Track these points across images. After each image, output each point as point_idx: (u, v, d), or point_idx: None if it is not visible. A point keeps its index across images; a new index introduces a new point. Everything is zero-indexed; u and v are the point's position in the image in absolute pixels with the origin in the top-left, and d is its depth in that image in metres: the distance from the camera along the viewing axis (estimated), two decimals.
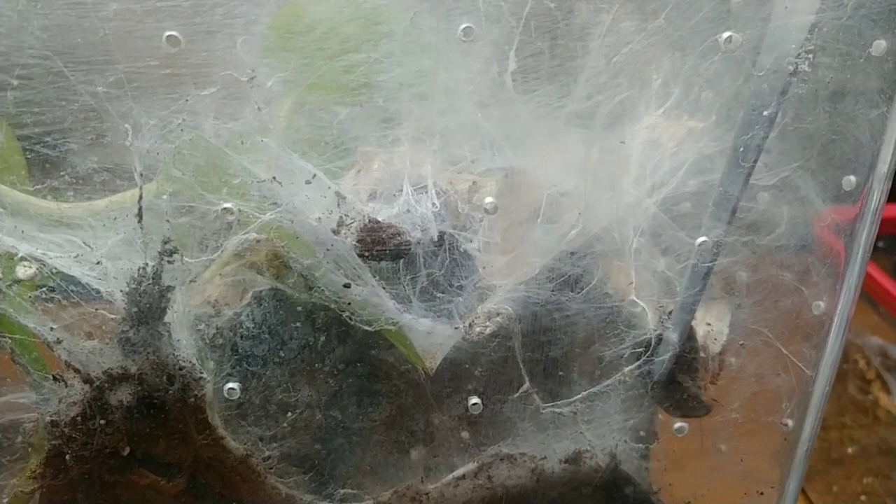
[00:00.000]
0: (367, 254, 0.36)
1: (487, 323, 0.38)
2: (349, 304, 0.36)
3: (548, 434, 0.42)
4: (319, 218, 0.35)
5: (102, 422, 0.35)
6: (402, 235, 0.36)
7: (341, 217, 0.35)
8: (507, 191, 0.38)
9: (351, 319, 0.37)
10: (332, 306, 0.36)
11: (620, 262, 0.39)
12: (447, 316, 0.38)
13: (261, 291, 0.37)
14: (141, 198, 0.34)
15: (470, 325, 0.38)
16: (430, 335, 0.38)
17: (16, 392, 0.36)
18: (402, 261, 0.37)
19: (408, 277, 0.37)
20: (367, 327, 0.37)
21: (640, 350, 0.40)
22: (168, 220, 0.34)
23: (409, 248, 0.36)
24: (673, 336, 0.40)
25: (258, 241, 0.35)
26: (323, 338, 0.38)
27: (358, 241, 0.35)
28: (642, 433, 0.43)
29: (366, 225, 0.35)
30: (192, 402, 0.36)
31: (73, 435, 0.36)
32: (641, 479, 0.44)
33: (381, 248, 0.36)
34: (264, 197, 0.35)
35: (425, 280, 0.37)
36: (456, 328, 0.38)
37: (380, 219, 0.36)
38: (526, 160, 0.38)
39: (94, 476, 0.37)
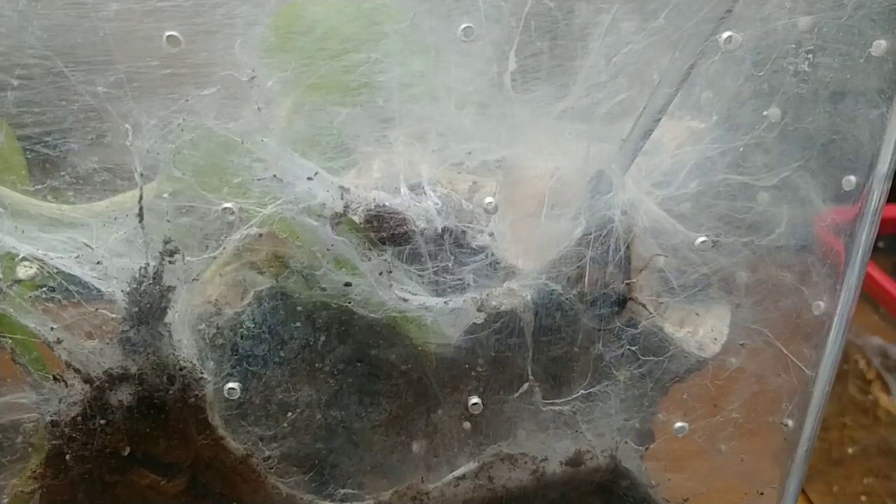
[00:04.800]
0: (373, 236, 0.36)
1: (504, 300, 0.38)
2: (350, 302, 0.36)
3: (548, 434, 0.42)
4: (324, 205, 0.35)
5: (103, 422, 0.36)
6: (407, 223, 0.36)
7: (347, 203, 0.35)
8: (508, 190, 0.38)
9: (356, 309, 0.36)
10: (334, 303, 0.37)
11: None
12: (462, 301, 0.38)
13: (261, 291, 0.37)
14: (141, 198, 0.34)
15: (487, 296, 0.38)
16: (446, 313, 0.37)
17: (16, 392, 0.36)
18: (407, 246, 0.37)
19: (416, 264, 0.37)
20: (373, 314, 0.37)
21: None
22: (168, 220, 0.35)
23: (414, 237, 0.36)
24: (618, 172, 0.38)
25: (260, 234, 0.35)
26: (323, 337, 0.38)
27: (365, 222, 0.35)
28: (642, 432, 0.43)
29: (371, 210, 0.35)
30: (193, 402, 0.36)
31: (74, 435, 0.36)
32: (641, 476, 0.44)
33: (385, 234, 0.36)
34: (264, 193, 0.35)
35: (433, 268, 0.37)
36: (473, 298, 0.38)
37: (386, 203, 0.36)
38: (526, 160, 0.38)
39: (94, 476, 0.37)
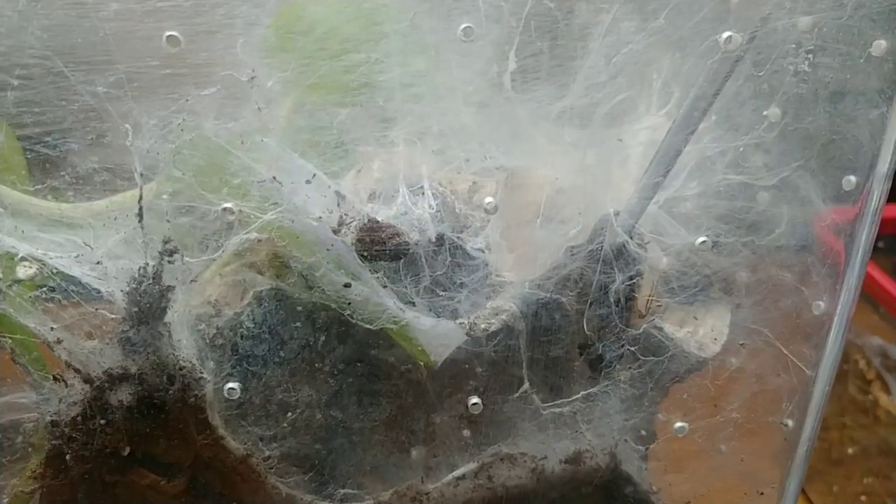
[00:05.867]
0: (365, 254, 0.36)
1: (492, 320, 0.38)
2: (349, 303, 0.36)
3: (548, 434, 0.42)
4: (320, 217, 0.35)
5: (103, 422, 0.36)
6: (401, 236, 0.36)
7: (341, 216, 0.35)
8: (508, 191, 0.38)
9: (352, 318, 0.37)
10: (333, 306, 0.37)
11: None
12: (451, 314, 0.38)
13: (261, 291, 0.37)
14: (141, 198, 0.34)
15: (474, 321, 0.38)
16: (435, 332, 0.38)
17: (16, 392, 0.36)
18: (401, 261, 0.37)
19: (410, 276, 0.37)
20: (368, 325, 0.37)
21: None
22: (168, 220, 0.35)
23: (408, 249, 0.36)
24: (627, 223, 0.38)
25: (259, 240, 0.35)
26: (323, 337, 0.38)
27: (357, 241, 0.35)
28: (643, 432, 0.43)
29: (365, 225, 0.35)
30: (193, 402, 0.36)
31: (74, 435, 0.36)
32: (641, 477, 0.44)
33: (380, 248, 0.36)
34: (265, 197, 0.35)
35: (428, 279, 0.37)
36: (460, 324, 0.38)
37: (379, 219, 0.36)
38: (526, 160, 0.38)
39: (94, 476, 0.37)
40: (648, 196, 0.37)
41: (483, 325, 0.38)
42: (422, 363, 0.39)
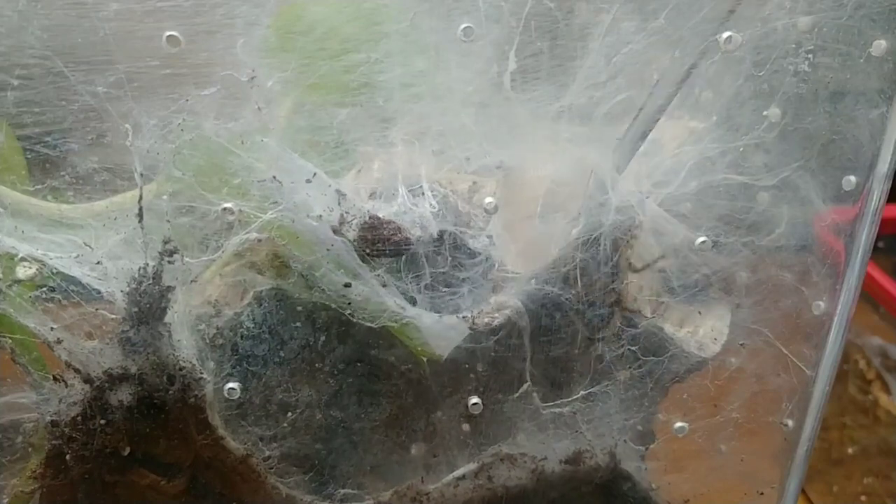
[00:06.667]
0: (367, 251, 0.36)
1: (495, 314, 0.38)
2: (349, 303, 0.36)
3: (548, 434, 0.42)
4: (320, 216, 0.35)
5: (103, 422, 0.36)
6: (402, 232, 0.36)
7: (342, 214, 0.35)
8: (507, 191, 0.38)
9: (353, 318, 0.37)
10: (333, 305, 0.37)
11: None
12: (454, 310, 0.38)
13: (261, 291, 0.37)
14: (141, 198, 0.34)
15: (478, 314, 0.38)
16: (438, 327, 0.37)
17: (16, 392, 0.36)
18: (403, 258, 0.37)
19: (412, 273, 0.37)
20: (369, 324, 0.37)
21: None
22: (168, 220, 0.35)
23: (410, 246, 0.36)
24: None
25: (259, 240, 0.35)
26: (323, 337, 0.38)
27: (359, 238, 0.35)
28: (642, 432, 0.43)
29: (366, 222, 0.35)
30: (193, 402, 0.36)
31: (74, 435, 0.36)
32: (641, 477, 0.44)
33: (381, 245, 0.36)
34: (265, 197, 0.35)
35: (429, 276, 0.37)
36: (463, 317, 0.38)
37: (380, 215, 0.36)
38: (526, 160, 0.38)
39: (94, 476, 0.37)
40: (633, 148, 0.37)
41: (486, 320, 0.38)
42: (424, 360, 0.39)
